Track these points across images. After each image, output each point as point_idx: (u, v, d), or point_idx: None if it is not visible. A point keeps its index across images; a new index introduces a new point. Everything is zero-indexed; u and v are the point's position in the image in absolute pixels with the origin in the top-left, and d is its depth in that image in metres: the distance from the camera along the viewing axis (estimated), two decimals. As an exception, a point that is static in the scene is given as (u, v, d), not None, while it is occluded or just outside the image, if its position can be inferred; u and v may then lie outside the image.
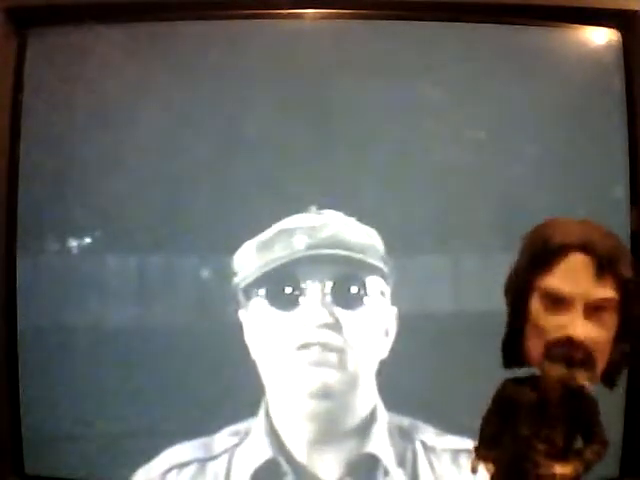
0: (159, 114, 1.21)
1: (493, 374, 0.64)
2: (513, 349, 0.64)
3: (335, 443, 1.16)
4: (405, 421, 1.17)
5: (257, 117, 1.20)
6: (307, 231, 1.16)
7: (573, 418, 0.62)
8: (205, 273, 1.21)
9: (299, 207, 1.17)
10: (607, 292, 0.59)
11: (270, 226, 1.17)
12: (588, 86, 1.20)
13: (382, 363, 1.16)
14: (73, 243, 1.21)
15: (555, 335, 0.60)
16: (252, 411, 1.17)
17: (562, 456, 0.61)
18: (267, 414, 1.17)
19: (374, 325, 1.17)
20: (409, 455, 1.17)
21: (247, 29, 1.21)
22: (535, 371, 0.63)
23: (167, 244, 1.21)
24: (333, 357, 1.14)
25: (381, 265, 1.16)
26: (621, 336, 0.61)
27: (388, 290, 1.17)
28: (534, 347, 0.62)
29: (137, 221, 1.21)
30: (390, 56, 1.20)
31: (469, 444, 1.12)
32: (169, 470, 1.17)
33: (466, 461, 1.14)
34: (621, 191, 1.18)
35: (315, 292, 1.15)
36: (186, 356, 1.17)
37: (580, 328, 0.59)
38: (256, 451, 1.17)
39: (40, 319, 1.20)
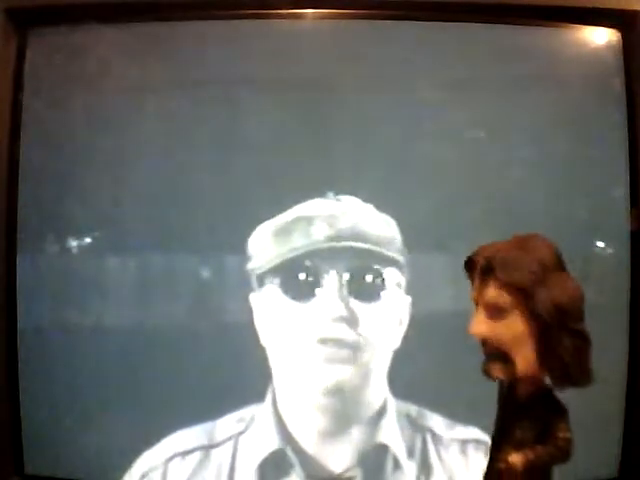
0: (159, 114, 1.21)
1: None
2: None
3: (345, 434, 1.16)
4: (413, 409, 1.17)
5: (257, 116, 1.20)
6: (326, 220, 1.15)
7: (537, 415, 0.67)
8: (209, 269, 1.20)
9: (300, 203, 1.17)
10: (491, 293, 0.67)
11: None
12: (588, 86, 1.20)
13: (394, 351, 1.16)
14: (73, 243, 1.21)
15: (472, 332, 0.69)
16: (257, 398, 1.17)
17: (516, 445, 0.66)
18: (274, 403, 1.17)
19: (389, 316, 1.16)
20: (418, 444, 1.17)
21: (247, 29, 1.21)
22: None
23: (167, 244, 1.21)
24: (347, 353, 1.14)
25: (398, 256, 1.15)
26: (534, 337, 0.66)
27: (404, 280, 1.17)
28: None
29: (137, 221, 1.21)
30: (390, 56, 1.19)
31: (476, 434, 1.15)
32: (172, 457, 1.17)
33: (473, 451, 1.15)
34: (621, 191, 1.18)
35: (332, 284, 1.14)
36: (189, 344, 1.17)
37: (476, 325, 0.68)
38: (262, 441, 1.16)
39: (40, 319, 1.20)
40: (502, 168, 1.20)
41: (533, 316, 0.66)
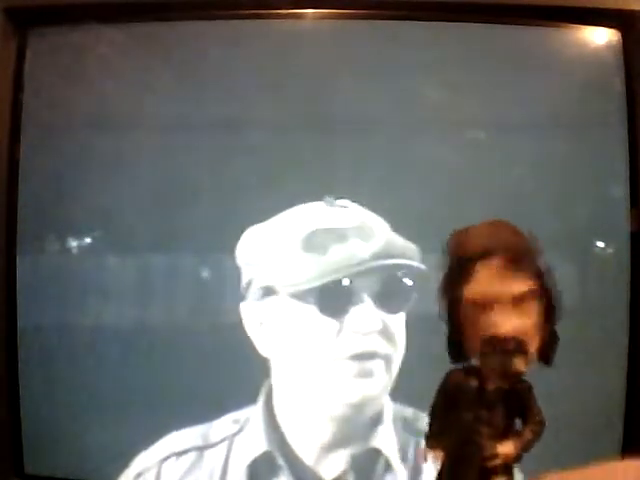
0: (159, 114, 1.21)
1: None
2: (456, 344, 0.70)
3: (341, 439, 1.16)
4: (409, 412, 1.16)
5: (257, 117, 1.20)
6: (359, 235, 1.13)
7: (510, 401, 0.66)
8: (206, 272, 1.21)
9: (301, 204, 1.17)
10: (522, 286, 0.65)
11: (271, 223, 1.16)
12: (588, 86, 1.20)
13: None
14: (73, 243, 1.21)
15: (487, 333, 0.65)
16: (254, 400, 1.17)
17: (503, 437, 0.65)
18: (268, 404, 1.16)
19: (409, 324, 1.16)
20: (412, 448, 1.15)
21: (247, 29, 1.21)
22: (474, 362, 0.68)
23: (167, 244, 1.21)
24: (381, 365, 1.13)
25: (422, 266, 1.14)
26: (547, 319, 0.66)
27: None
28: (472, 341, 0.67)
29: (137, 221, 1.21)
30: (390, 56, 1.20)
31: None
32: (167, 458, 1.17)
33: None
34: (621, 191, 1.18)
35: (365, 298, 1.13)
36: (188, 346, 1.17)
37: (507, 324, 0.65)
38: (253, 442, 1.16)
39: (40, 318, 1.20)
40: (502, 168, 1.20)
41: (549, 300, 0.66)
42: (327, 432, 1.16)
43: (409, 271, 1.15)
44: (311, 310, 1.14)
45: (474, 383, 0.68)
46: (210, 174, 1.21)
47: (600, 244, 1.20)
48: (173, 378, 1.17)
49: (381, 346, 1.14)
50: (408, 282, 1.15)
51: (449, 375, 0.70)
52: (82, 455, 1.17)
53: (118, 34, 1.21)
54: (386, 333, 1.14)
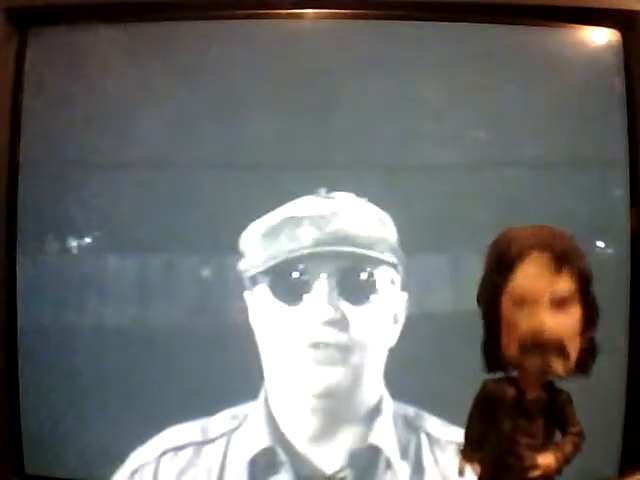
0: (159, 113, 1.21)
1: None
2: (492, 352, 0.69)
3: (337, 435, 1.16)
4: (410, 410, 1.17)
5: (257, 116, 1.20)
6: (315, 222, 1.14)
7: (549, 412, 0.66)
8: (205, 269, 1.21)
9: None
10: (566, 284, 0.66)
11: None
12: (588, 86, 1.20)
13: (390, 351, 1.16)
14: (73, 243, 1.21)
15: (528, 329, 0.65)
16: (252, 396, 1.17)
17: (542, 448, 0.65)
18: (266, 401, 1.17)
19: (382, 316, 1.16)
20: (413, 446, 1.16)
21: (247, 29, 1.21)
22: (512, 372, 0.67)
23: (167, 244, 1.21)
24: (337, 355, 1.13)
25: (390, 257, 1.15)
26: (586, 324, 0.67)
27: (398, 278, 1.16)
28: (510, 345, 0.67)
29: (137, 221, 1.21)
30: (390, 56, 1.20)
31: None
32: (164, 453, 1.17)
33: None
34: (621, 191, 1.18)
35: (321, 287, 1.13)
36: (186, 343, 1.18)
37: (548, 319, 0.65)
38: (253, 438, 1.16)
39: (40, 318, 1.20)
40: (502, 167, 1.20)
41: (589, 306, 0.66)
42: (317, 426, 1.16)
43: (370, 262, 1.14)
44: (270, 296, 1.15)
45: (512, 393, 0.67)
46: (210, 174, 1.21)
47: (600, 244, 1.20)
48: (173, 374, 1.17)
49: (336, 336, 1.13)
50: (368, 273, 1.15)
51: (485, 385, 0.69)
52: (82, 455, 1.17)
53: (118, 34, 1.21)
54: (344, 323, 1.13)
